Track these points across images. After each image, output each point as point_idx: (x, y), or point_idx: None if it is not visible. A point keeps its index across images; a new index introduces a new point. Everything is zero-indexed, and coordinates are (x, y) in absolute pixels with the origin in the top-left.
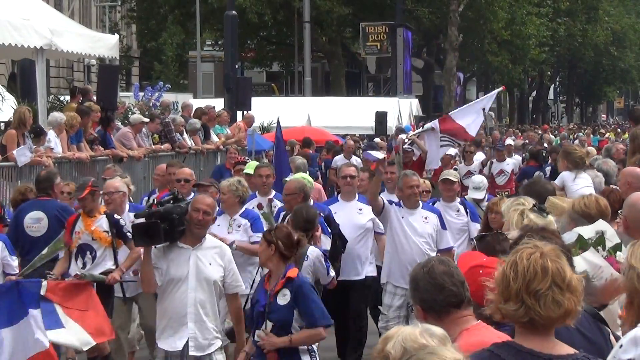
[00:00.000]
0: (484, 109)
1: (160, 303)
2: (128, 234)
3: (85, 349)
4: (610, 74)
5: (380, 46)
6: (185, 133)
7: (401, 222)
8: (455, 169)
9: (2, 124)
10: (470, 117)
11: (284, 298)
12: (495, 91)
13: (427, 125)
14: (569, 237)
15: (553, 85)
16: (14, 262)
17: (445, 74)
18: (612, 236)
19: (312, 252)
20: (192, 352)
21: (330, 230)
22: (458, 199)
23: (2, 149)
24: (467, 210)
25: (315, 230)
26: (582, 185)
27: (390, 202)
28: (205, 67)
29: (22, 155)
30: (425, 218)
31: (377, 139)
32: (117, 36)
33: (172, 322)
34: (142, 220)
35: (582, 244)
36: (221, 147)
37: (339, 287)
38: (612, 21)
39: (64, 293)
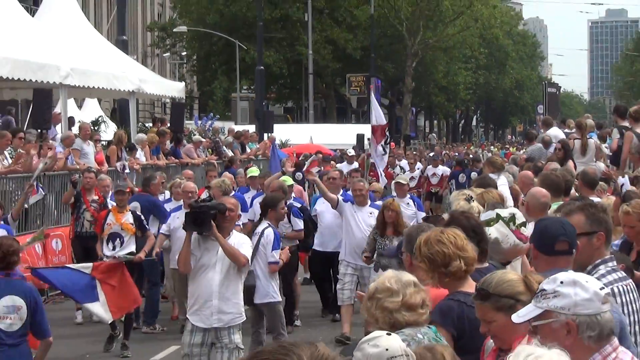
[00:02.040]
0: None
1: (192, 283)
2: (146, 226)
3: (107, 322)
4: (514, 108)
5: (360, 89)
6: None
7: (354, 215)
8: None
9: (106, 142)
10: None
11: None
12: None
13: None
14: (489, 214)
15: (475, 116)
16: None
17: (403, 108)
18: (520, 217)
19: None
20: (215, 325)
21: (302, 215)
22: (408, 195)
23: (107, 159)
24: (415, 203)
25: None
26: (501, 183)
27: (345, 200)
28: (243, 104)
29: (121, 165)
30: (371, 213)
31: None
32: (183, 83)
33: (200, 299)
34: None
35: (498, 220)
36: (252, 156)
37: (329, 257)
38: (515, 73)
39: (104, 271)
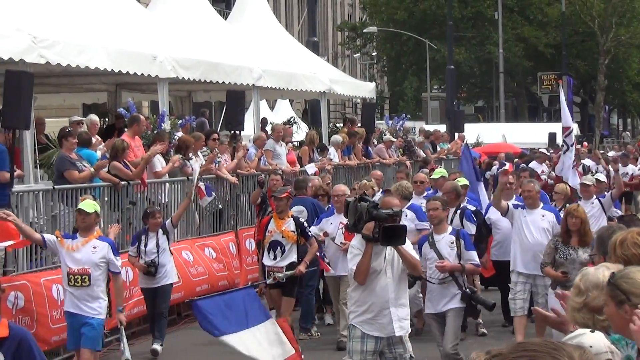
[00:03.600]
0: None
1: (361, 290)
2: (309, 233)
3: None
4: None
5: (552, 88)
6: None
7: (524, 220)
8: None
9: (298, 142)
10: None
11: None
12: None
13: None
14: None
15: None
16: (118, 262)
17: (595, 106)
18: None
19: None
20: (395, 333)
21: (475, 220)
22: (594, 196)
23: (299, 159)
24: (601, 202)
25: None
26: None
27: (516, 205)
28: (433, 103)
29: (310, 167)
30: (543, 216)
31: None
32: (374, 84)
33: (375, 307)
34: (385, 222)
35: None
36: (443, 156)
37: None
38: None
39: None
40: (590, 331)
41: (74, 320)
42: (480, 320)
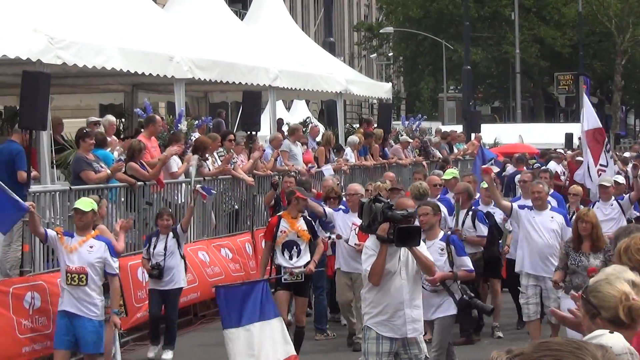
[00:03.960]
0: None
1: (376, 291)
2: (318, 232)
3: None
4: None
5: (568, 88)
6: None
7: (531, 222)
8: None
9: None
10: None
11: None
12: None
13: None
14: None
15: None
16: (115, 263)
17: (612, 106)
18: None
19: None
20: (409, 334)
21: (487, 221)
22: (613, 198)
23: (315, 160)
24: (620, 204)
25: None
26: None
27: (522, 206)
28: (450, 104)
29: (327, 169)
30: (552, 217)
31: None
32: (390, 84)
33: (390, 309)
34: (400, 223)
35: None
36: (459, 156)
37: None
38: None
39: None
40: (609, 332)
41: (70, 320)
42: (497, 324)
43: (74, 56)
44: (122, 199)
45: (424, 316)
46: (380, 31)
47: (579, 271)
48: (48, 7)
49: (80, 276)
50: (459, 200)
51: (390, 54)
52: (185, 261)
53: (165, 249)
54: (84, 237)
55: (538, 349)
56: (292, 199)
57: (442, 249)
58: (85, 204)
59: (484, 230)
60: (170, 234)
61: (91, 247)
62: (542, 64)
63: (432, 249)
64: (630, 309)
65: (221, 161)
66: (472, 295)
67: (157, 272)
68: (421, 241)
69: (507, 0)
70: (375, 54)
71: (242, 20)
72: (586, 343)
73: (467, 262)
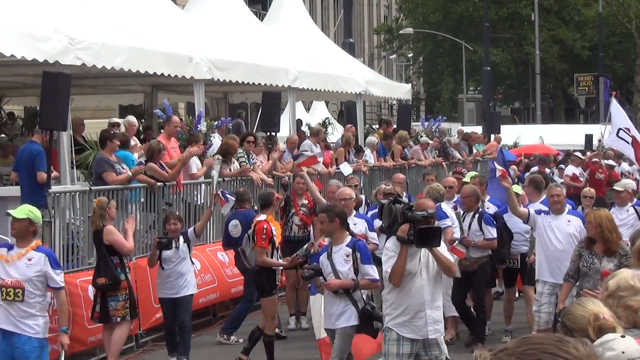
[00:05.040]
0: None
1: (396, 292)
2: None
3: None
4: None
5: (588, 89)
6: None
7: (548, 227)
8: None
9: (333, 144)
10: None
11: None
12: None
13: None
14: None
15: None
16: (58, 276)
17: (632, 108)
18: None
19: None
20: (430, 336)
21: (495, 223)
22: (630, 203)
23: (335, 160)
24: (636, 210)
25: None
26: None
27: (539, 211)
28: (469, 105)
29: (345, 167)
30: (569, 221)
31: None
32: (409, 85)
33: (411, 310)
34: (420, 223)
35: None
36: (479, 157)
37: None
38: None
39: None
40: (621, 336)
41: (6, 339)
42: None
43: (93, 57)
44: (142, 200)
45: (329, 323)
46: (400, 32)
47: (590, 274)
48: (68, 8)
49: (17, 291)
50: (457, 208)
51: (410, 55)
52: (194, 265)
53: (176, 253)
54: (23, 250)
55: (521, 344)
56: (273, 201)
57: (347, 255)
58: (21, 211)
59: (492, 232)
60: (182, 238)
61: (29, 259)
62: (562, 65)
63: (337, 255)
64: (601, 329)
65: (240, 164)
66: (375, 305)
67: (166, 240)
68: (441, 242)
69: (526, 1)
70: (394, 55)
71: (261, 21)
72: (568, 337)
73: (371, 271)
